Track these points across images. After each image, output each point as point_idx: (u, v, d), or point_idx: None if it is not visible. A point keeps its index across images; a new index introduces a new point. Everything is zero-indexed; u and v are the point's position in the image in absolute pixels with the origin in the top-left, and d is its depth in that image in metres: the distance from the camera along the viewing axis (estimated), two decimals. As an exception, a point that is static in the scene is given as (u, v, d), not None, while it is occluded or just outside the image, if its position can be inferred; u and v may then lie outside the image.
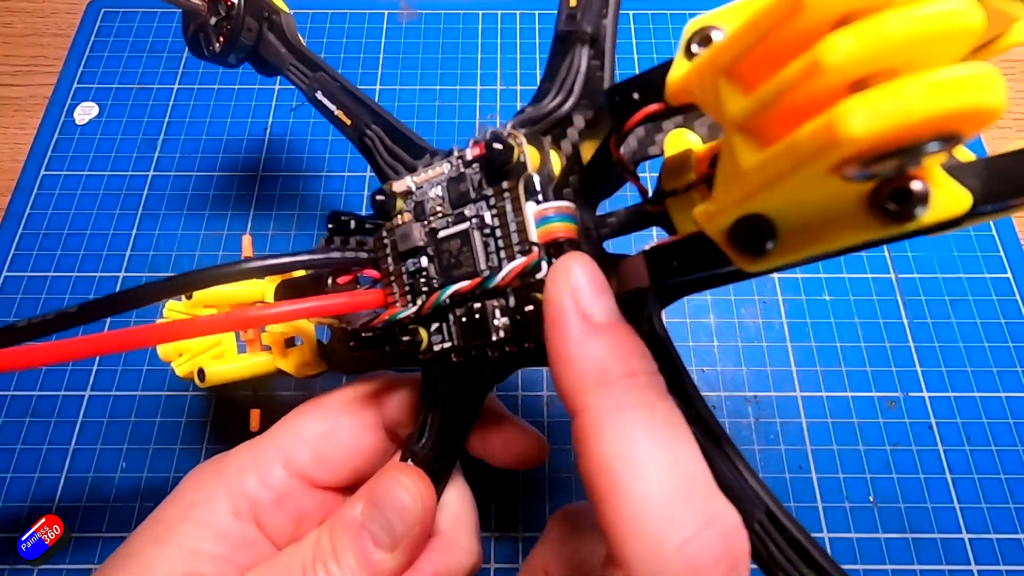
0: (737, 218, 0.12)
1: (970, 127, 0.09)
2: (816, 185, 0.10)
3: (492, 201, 0.19)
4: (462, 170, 0.20)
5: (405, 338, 0.20)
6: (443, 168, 0.20)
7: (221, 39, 0.27)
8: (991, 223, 0.38)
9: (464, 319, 0.19)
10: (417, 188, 0.21)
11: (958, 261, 0.38)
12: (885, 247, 0.38)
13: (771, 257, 0.12)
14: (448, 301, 0.19)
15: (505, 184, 0.19)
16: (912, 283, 0.37)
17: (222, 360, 0.29)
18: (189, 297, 0.29)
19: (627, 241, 0.37)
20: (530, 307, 0.18)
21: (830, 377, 0.35)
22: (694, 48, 0.13)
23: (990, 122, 0.09)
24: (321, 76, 0.26)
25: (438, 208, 0.20)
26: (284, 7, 0.28)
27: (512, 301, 0.18)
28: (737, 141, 0.11)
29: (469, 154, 0.20)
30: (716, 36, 0.12)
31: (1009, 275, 0.37)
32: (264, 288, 0.29)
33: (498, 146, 0.18)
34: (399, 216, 0.21)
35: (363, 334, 0.21)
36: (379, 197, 0.21)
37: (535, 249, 0.18)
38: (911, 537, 0.32)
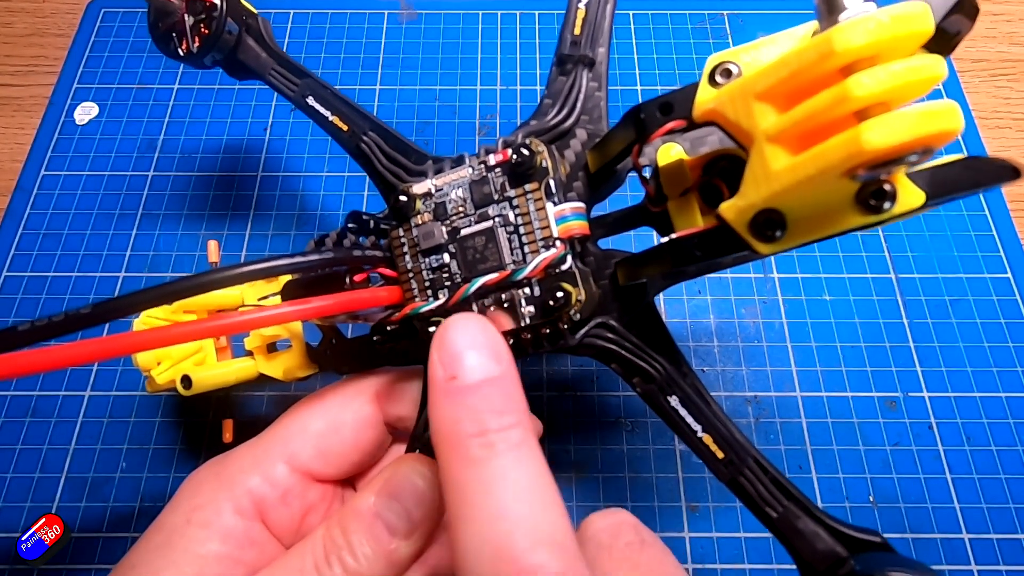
0: (760, 210, 0.15)
1: (940, 142, 0.13)
2: (828, 183, 0.14)
3: (515, 202, 0.21)
4: (485, 174, 0.22)
5: (431, 329, 0.21)
6: (464, 172, 0.22)
7: (198, 40, 0.27)
8: (991, 224, 0.39)
9: (492, 309, 0.21)
10: (437, 190, 0.22)
11: (958, 261, 0.38)
12: (885, 248, 0.38)
13: (780, 242, 0.16)
14: (474, 293, 0.21)
15: (528, 187, 0.21)
16: (912, 283, 0.37)
17: (205, 367, 0.29)
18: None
19: (627, 241, 0.37)
20: (560, 294, 0.20)
21: (830, 377, 0.35)
22: (718, 79, 0.16)
23: (952, 139, 0.13)
24: (311, 82, 0.26)
25: (460, 208, 0.22)
26: (253, 9, 0.28)
27: (537, 290, 0.21)
28: (769, 149, 0.14)
29: (492, 159, 0.22)
30: (733, 69, 0.16)
31: (1009, 275, 0.37)
32: (243, 293, 0.29)
33: (525, 152, 0.20)
34: (418, 216, 0.22)
35: (387, 327, 0.23)
36: (401, 199, 0.22)
37: (559, 243, 0.20)
38: (911, 537, 0.32)
